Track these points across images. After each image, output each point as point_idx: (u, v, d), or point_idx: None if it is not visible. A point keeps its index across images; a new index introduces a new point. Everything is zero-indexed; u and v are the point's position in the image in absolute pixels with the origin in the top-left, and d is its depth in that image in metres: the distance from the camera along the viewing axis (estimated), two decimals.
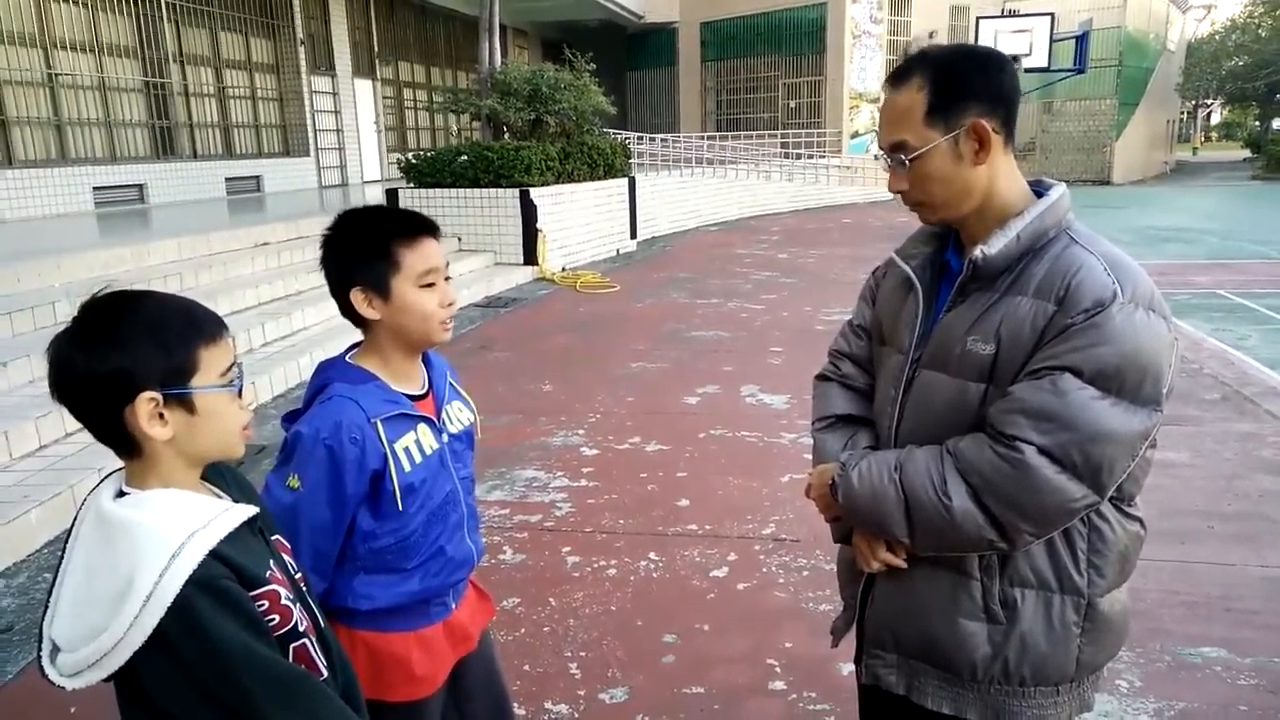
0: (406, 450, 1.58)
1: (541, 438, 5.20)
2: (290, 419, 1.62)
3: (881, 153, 1.47)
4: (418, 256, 1.57)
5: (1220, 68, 44.14)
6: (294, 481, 1.51)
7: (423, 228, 1.60)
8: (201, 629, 1.08)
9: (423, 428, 1.63)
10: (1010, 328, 1.36)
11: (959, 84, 1.38)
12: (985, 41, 18.22)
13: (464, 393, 1.81)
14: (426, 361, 1.72)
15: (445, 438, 1.68)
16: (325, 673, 1.29)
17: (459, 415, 1.75)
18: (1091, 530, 1.41)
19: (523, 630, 3.16)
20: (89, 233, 9.11)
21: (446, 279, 1.63)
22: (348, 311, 1.60)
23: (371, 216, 1.61)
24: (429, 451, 1.63)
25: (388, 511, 1.58)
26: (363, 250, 1.57)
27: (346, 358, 1.65)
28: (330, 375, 1.60)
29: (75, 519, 1.19)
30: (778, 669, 2.90)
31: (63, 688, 1.13)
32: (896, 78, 1.43)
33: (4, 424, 4.39)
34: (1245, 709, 2.66)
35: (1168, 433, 4.85)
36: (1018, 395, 1.33)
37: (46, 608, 1.16)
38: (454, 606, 1.76)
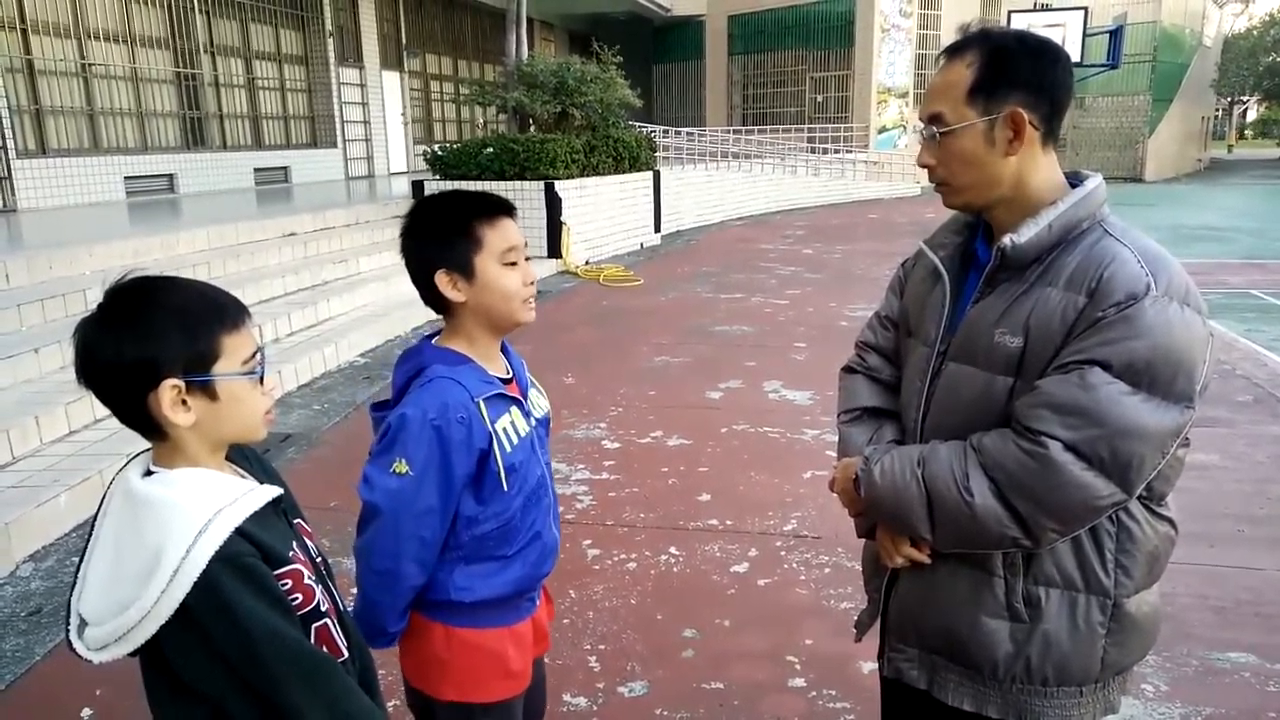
0: (505, 431, 1.58)
1: (563, 430, 5.21)
2: (379, 409, 1.61)
3: (920, 124, 1.45)
4: (499, 235, 1.57)
5: (1258, 64, 43.42)
6: (401, 466, 1.49)
7: (501, 207, 1.60)
8: (226, 605, 1.10)
9: (515, 410, 1.62)
10: (1039, 320, 1.33)
11: (1007, 69, 1.36)
12: None
13: (536, 382, 1.81)
14: (503, 349, 1.72)
15: (533, 421, 1.68)
16: (345, 653, 1.30)
17: (539, 401, 1.76)
18: (1120, 529, 1.38)
19: (563, 620, 3.16)
20: (120, 221, 9.22)
21: (526, 259, 1.63)
22: (430, 297, 1.59)
23: (449, 200, 1.61)
24: (523, 434, 1.63)
25: (491, 494, 1.57)
26: (445, 232, 1.57)
27: (432, 342, 1.64)
28: (425, 358, 1.59)
29: (104, 497, 1.21)
30: (798, 666, 2.89)
31: (90, 661, 1.15)
32: (953, 50, 1.41)
33: (35, 409, 4.46)
34: (1275, 716, 2.61)
35: (1198, 434, 4.76)
36: (1044, 389, 1.31)
37: (75, 584, 1.18)
38: (538, 603, 1.76)
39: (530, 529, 1.64)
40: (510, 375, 1.68)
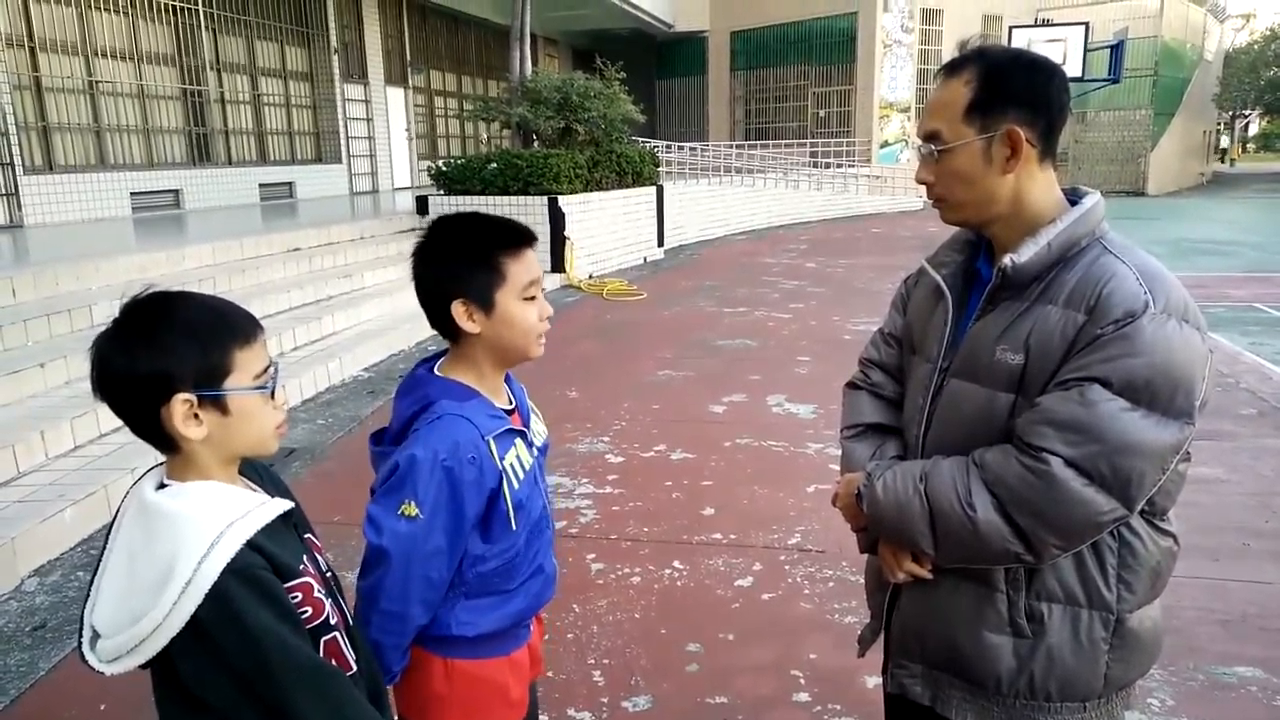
0: (513, 467, 1.53)
1: (567, 444, 5.21)
2: (378, 441, 1.57)
3: (918, 141, 1.47)
4: (523, 268, 1.51)
5: (1259, 78, 43.57)
6: (410, 509, 1.43)
7: (525, 238, 1.54)
8: (237, 616, 1.11)
9: (519, 443, 1.57)
10: (1040, 338, 1.34)
11: (1003, 87, 1.37)
12: None
13: (535, 408, 1.76)
14: (504, 376, 1.67)
15: (534, 451, 1.63)
16: (354, 667, 1.31)
17: (539, 429, 1.71)
18: (1122, 545, 1.39)
19: (546, 637, 3.14)
20: (126, 237, 9.27)
21: (542, 290, 1.58)
22: (440, 323, 1.53)
23: (471, 226, 1.53)
24: (527, 467, 1.58)
25: (499, 533, 1.53)
26: (466, 261, 1.49)
27: (436, 370, 1.57)
28: (432, 392, 1.52)
29: (118, 510, 1.22)
30: (802, 680, 2.88)
31: (101, 673, 1.16)
32: (950, 68, 1.42)
33: (40, 424, 4.48)
34: None
35: (1202, 448, 4.77)
36: (1045, 406, 1.32)
37: (88, 596, 1.20)
38: (532, 629, 1.74)
39: (533, 562, 1.61)
40: (513, 405, 1.64)
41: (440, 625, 1.54)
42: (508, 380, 1.67)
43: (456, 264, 1.50)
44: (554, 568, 1.70)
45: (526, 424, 1.65)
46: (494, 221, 1.54)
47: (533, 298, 1.53)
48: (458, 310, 1.49)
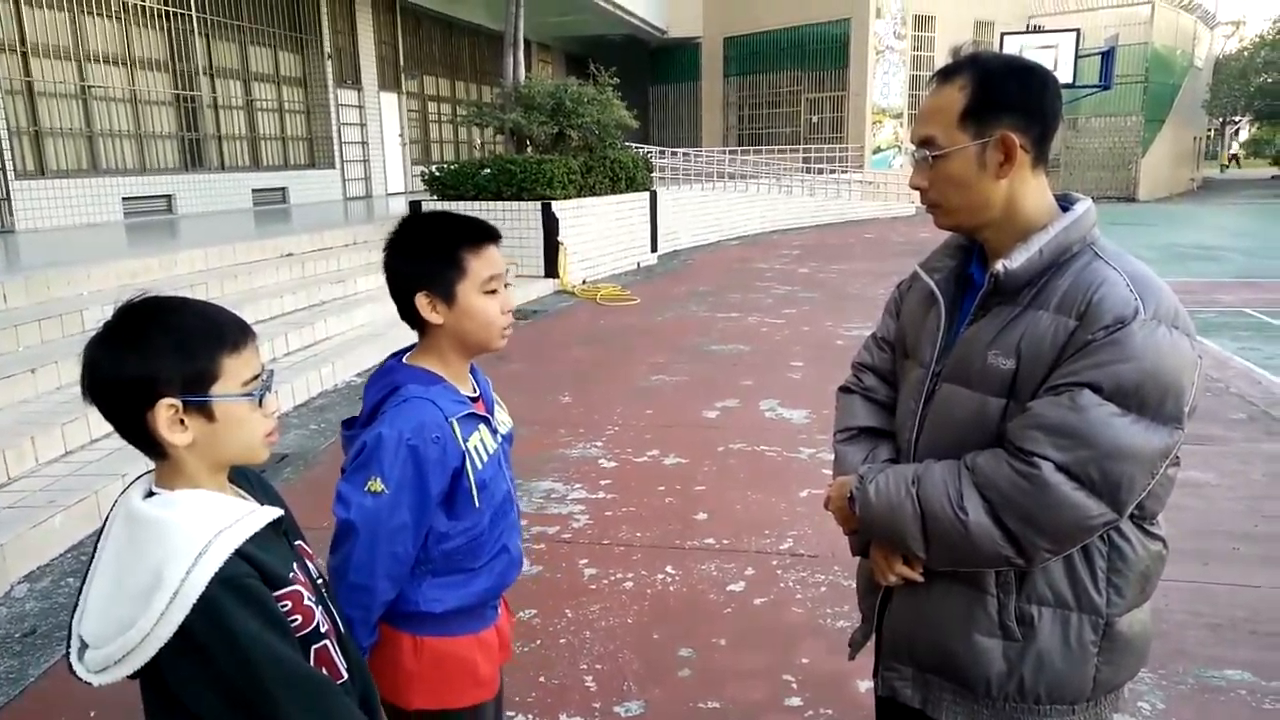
0: (476, 449, 1.61)
1: (560, 449, 5.21)
2: (349, 425, 1.64)
3: (911, 146, 1.47)
4: (483, 263, 1.60)
5: (1249, 84, 43.83)
6: (376, 485, 1.51)
7: (488, 235, 1.63)
8: (226, 625, 1.10)
9: (483, 428, 1.66)
10: (1031, 343, 1.35)
11: (998, 93, 1.38)
12: None
13: (500, 400, 1.85)
14: (469, 367, 1.75)
15: (499, 438, 1.72)
16: (345, 675, 1.31)
17: (503, 418, 1.79)
18: (1112, 549, 1.39)
19: (539, 642, 3.16)
20: (118, 242, 9.24)
21: (506, 285, 1.66)
22: (407, 314, 1.63)
23: (438, 223, 1.63)
24: (491, 451, 1.66)
25: (462, 511, 1.61)
26: (430, 256, 1.60)
27: (404, 360, 1.67)
28: (399, 378, 1.61)
29: (107, 519, 1.21)
30: (794, 685, 2.89)
31: (89, 684, 1.15)
32: (944, 74, 1.43)
33: (31, 429, 4.46)
34: None
35: (1193, 452, 4.80)
36: (1036, 411, 1.32)
37: (76, 606, 1.19)
38: (500, 611, 1.80)
39: (498, 542, 1.69)
40: (477, 394, 1.72)
41: (408, 602, 1.61)
42: (473, 372, 1.75)
43: (421, 258, 1.60)
44: (519, 551, 1.77)
45: (490, 412, 1.73)
46: (458, 219, 1.64)
47: (493, 291, 1.62)
48: (421, 301, 1.59)
